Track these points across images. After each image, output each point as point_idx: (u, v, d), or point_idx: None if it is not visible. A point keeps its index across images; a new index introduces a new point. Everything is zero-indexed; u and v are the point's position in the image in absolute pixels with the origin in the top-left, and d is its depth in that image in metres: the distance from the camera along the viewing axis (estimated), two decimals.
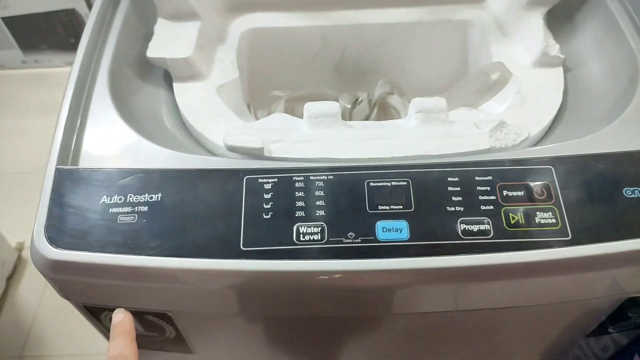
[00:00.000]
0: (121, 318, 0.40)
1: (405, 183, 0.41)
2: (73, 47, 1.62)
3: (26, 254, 1.17)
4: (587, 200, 0.39)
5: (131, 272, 0.38)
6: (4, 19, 1.55)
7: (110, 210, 0.40)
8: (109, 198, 0.40)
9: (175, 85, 0.53)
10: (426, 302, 0.42)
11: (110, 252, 0.38)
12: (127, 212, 0.40)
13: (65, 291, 0.42)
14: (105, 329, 0.47)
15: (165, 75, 0.55)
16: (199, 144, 0.50)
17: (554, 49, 0.54)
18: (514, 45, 0.57)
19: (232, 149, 0.44)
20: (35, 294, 1.09)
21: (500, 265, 0.38)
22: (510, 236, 0.38)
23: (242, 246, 0.38)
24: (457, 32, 0.62)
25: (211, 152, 0.48)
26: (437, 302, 0.41)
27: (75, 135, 0.45)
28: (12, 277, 1.12)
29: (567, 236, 0.38)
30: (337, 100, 0.62)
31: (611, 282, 0.41)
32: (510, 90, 0.52)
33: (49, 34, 1.60)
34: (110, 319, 0.45)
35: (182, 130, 0.51)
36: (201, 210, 0.40)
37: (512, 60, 0.55)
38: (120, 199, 0.40)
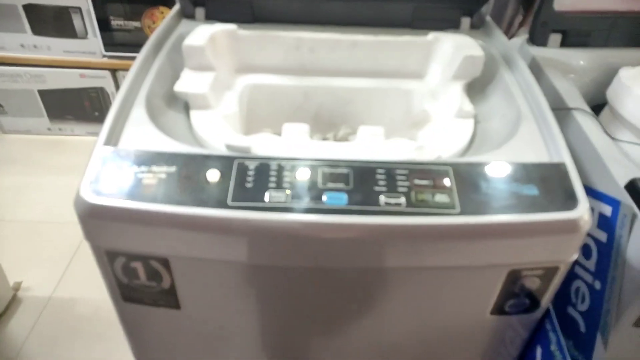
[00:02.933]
0: None
1: (347, 171, 0.58)
2: (96, 119, 1.85)
3: (22, 294, 1.26)
4: (472, 190, 0.57)
5: (148, 215, 0.54)
6: (39, 91, 1.79)
7: (137, 175, 0.56)
8: (137, 167, 0.57)
9: (192, 112, 0.73)
10: (357, 254, 0.56)
11: (133, 200, 0.54)
12: (149, 177, 0.56)
13: (95, 233, 0.57)
14: (114, 277, 0.61)
15: (185, 107, 0.75)
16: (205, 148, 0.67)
17: (468, 106, 0.74)
18: (441, 104, 0.78)
19: (229, 147, 0.62)
20: (23, 332, 1.18)
21: (408, 225, 0.54)
22: (417, 206, 0.55)
23: (229, 202, 0.54)
24: (403, 96, 0.84)
25: None
26: (365, 255, 0.56)
27: (117, 127, 0.62)
28: (3, 314, 1.21)
29: (457, 209, 0.55)
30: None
31: (490, 249, 0.56)
32: (435, 130, 0.71)
33: (77, 107, 1.82)
34: (122, 266, 0.59)
35: (193, 140, 0.69)
36: (203, 179, 0.56)
37: (439, 113, 0.76)
38: (145, 168, 0.57)
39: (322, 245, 0.56)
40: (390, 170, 0.58)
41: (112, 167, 0.57)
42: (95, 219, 0.56)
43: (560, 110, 0.81)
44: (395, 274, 0.59)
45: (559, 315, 0.70)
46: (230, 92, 0.79)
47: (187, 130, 0.71)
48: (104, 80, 1.77)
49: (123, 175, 0.56)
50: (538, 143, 0.65)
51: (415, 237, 0.55)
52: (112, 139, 0.61)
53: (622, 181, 0.65)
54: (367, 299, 0.62)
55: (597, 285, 0.68)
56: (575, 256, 0.59)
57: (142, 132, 0.63)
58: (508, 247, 0.57)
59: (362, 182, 0.57)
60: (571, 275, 0.72)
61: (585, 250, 0.69)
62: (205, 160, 0.58)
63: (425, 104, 0.79)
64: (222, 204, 0.54)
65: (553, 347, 0.64)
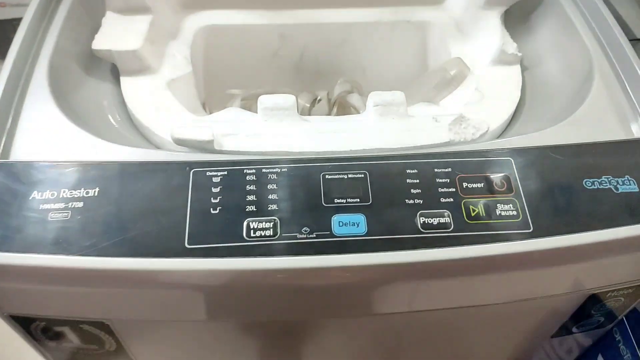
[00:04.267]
0: None
1: (362, 175, 0.39)
2: None
3: None
4: (547, 192, 0.38)
5: (62, 275, 0.35)
6: None
7: (41, 206, 0.36)
8: (39, 194, 0.37)
9: (122, 79, 0.50)
10: (386, 302, 0.39)
11: (38, 253, 0.34)
12: (59, 209, 0.36)
13: None
14: (37, 342, 0.43)
15: (112, 70, 0.52)
16: (146, 139, 0.47)
17: (512, 47, 0.53)
18: (473, 45, 0.56)
19: (179, 142, 0.42)
20: None
21: (461, 260, 0.36)
22: (471, 229, 0.37)
23: (187, 244, 0.35)
24: (417, 32, 0.62)
25: (159, 148, 0.45)
26: (397, 302, 0.39)
27: (7, 128, 0.41)
28: None
29: (529, 228, 0.37)
30: (296, 99, 0.60)
31: (574, 277, 0.40)
32: (469, 86, 0.51)
33: (2, 43, 1.52)
34: (43, 330, 0.41)
35: (128, 125, 0.48)
36: (143, 206, 0.36)
37: (471, 58, 0.55)
38: (52, 195, 0.37)
39: (333, 296, 0.38)
40: (426, 168, 0.39)
41: (0, 196, 0.37)
42: None
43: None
44: (437, 315, 0.43)
45: None
46: (177, 43, 0.56)
47: (119, 109, 0.49)
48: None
49: (17, 209, 0.36)
50: (622, 104, 0.46)
51: (472, 275, 0.37)
52: None
53: None
54: (391, 343, 0.46)
55: None
56: None
57: (45, 129, 0.41)
58: (596, 270, 0.40)
59: (387, 191, 0.38)
60: None
61: None
62: (142, 173, 0.38)
63: (450, 42, 0.58)
64: (176, 249, 0.35)
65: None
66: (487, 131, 0.45)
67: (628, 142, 0.42)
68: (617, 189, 0.39)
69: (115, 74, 0.51)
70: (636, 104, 0.45)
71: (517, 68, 0.53)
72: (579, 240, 0.37)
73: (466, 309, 0.42)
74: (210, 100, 0.62)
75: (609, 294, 0.43)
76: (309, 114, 0.59)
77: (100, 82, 0.51)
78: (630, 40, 0.59)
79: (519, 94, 0.50)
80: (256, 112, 0.46)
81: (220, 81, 0.63)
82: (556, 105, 0.49)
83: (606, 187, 0.39)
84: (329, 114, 0.59)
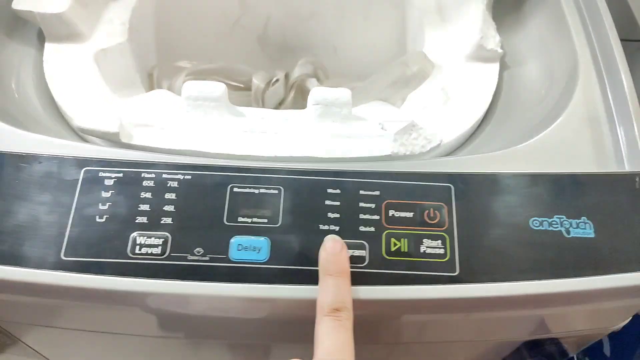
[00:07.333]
0: (338, 250, 0.30)
1: (276, 191, 0.34)
2: None
3: None
4: (485, 230, 0.33)
5: None
6: None
7: None
8: None
9: (47, 45, 0.45)
10: (280, 335, 0.36)
11: None
12: None
13: None
14: None
15: (39, 36, 0.47)
16: (65, 121, 0.42)
17: (492, 41, 0.46)
18: (451, 33, 0.49)
19: (83, 131, 0.37)
20: None
21: (369, 301, 0.32)
22: (388, 266, 0.32)
23: (63, 255, 0.31)
24: (395, 10, 0.55)
25: (75, 132, 0.41)
26: (294, 335, 0.36)
27: None
28: None
29: (454, 271, 0.32)
30: (251, 78, 0.55)
31: (502, 325, 0.35)
32: (436, 86, 0.45)
33: None
34: None
35: (45, 102, 0.43)
36: (19, 206, 0.32)
37: (446, 50, 0.48)
38: None
39: (221, 324, 0.34)
40: (351, 188, 0.34)
41: None
42: None
43: (629, 42, 0.53)
44: None
45: None
46: (117, 4, 0.50)
47: (35, 83, 0.44)
48: None
49: None
50: (601, 127, 0.39)
51: (378, 315, 0.33)
52: None
53: None
54: None
55: None
56: (626, 321, 0.38)
57: None
58: (527, 321, 0.36)
59: (300, 212, 0.33)
60: None
61: None
62: (24, 165, 0.34)
63: (427, 28, 0.51)
64: (50, 260, 0.31)
65: None
66: (439, 145, 0.39)
67: (593, 176, 0.36)
68: (568, 232, 0.34)
69: (42, 38, 0.46)
70: (615, 124, 0.39)
71: (494, 67, 0.46)
72: (510, 290, 0.32)
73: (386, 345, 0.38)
74: (162, 69, 0.57)
75: (545, 343, 0.39)
76: (262, 97, 0.54)
77: (26, 47, 0.46)
78: (631, 40, 0.52)
79: (489, 100, 0.44)
80: None
81: (174, 51, 0.57)
82: (528, 120, 0.42)
83: (556, 229, 0.34)
84: (285, 98, 0.54)
